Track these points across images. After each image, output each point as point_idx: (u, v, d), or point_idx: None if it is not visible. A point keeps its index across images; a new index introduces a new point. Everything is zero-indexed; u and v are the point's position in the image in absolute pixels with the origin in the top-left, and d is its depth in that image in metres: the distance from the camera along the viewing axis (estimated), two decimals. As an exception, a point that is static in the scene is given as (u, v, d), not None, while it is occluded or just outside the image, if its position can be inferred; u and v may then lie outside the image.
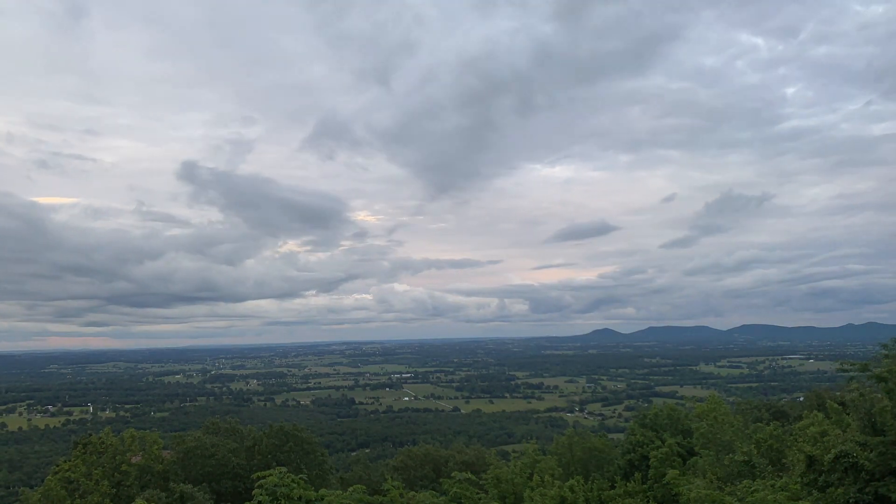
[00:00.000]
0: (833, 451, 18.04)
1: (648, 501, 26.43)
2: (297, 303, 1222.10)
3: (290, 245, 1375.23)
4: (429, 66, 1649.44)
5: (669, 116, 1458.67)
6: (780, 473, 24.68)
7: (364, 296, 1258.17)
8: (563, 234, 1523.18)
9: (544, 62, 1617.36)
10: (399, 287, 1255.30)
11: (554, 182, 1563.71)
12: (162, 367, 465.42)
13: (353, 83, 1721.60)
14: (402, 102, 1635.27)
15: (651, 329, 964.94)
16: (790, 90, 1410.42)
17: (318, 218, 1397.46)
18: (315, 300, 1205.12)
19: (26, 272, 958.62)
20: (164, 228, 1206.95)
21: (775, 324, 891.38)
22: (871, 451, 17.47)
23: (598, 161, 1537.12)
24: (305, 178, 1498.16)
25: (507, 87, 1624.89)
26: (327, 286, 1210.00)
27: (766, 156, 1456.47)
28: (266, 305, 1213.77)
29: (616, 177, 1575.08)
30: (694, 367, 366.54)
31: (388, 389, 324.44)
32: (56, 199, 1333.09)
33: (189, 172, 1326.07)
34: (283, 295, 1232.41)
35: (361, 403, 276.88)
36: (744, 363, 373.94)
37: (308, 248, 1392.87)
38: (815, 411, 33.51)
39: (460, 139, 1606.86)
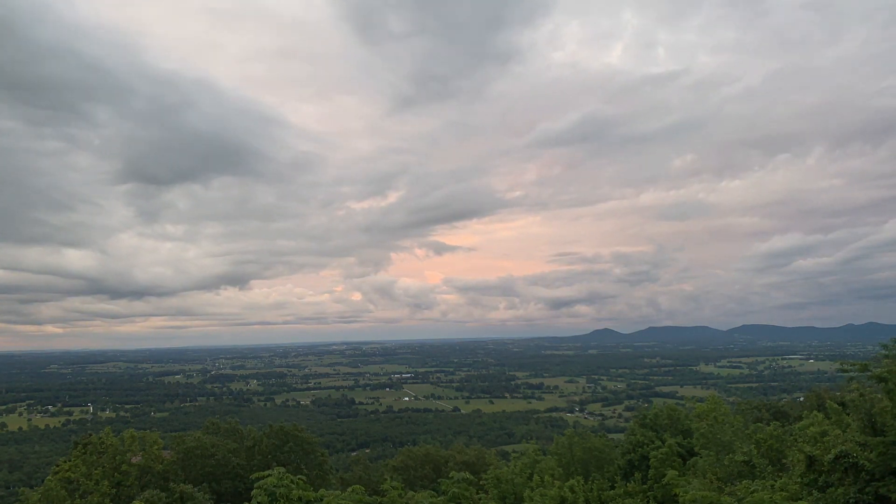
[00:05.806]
0: (833, 451, 17.98)
1: (648, 502, 26.42)
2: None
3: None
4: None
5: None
6: (780, 473, 24.64)
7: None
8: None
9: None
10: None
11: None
12: (162, 367, 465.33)
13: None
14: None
15: (651, 329, 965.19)
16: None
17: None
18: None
19: None
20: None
21: (775, 324, 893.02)
22: (871, 452, 17.43)
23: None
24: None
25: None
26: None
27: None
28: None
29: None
30: (694, 368, 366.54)
31: (388, 389, 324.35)
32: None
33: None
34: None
35: (361, 403, 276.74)
36: (744, 363, 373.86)
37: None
38: (815, 411, 33.37)
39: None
